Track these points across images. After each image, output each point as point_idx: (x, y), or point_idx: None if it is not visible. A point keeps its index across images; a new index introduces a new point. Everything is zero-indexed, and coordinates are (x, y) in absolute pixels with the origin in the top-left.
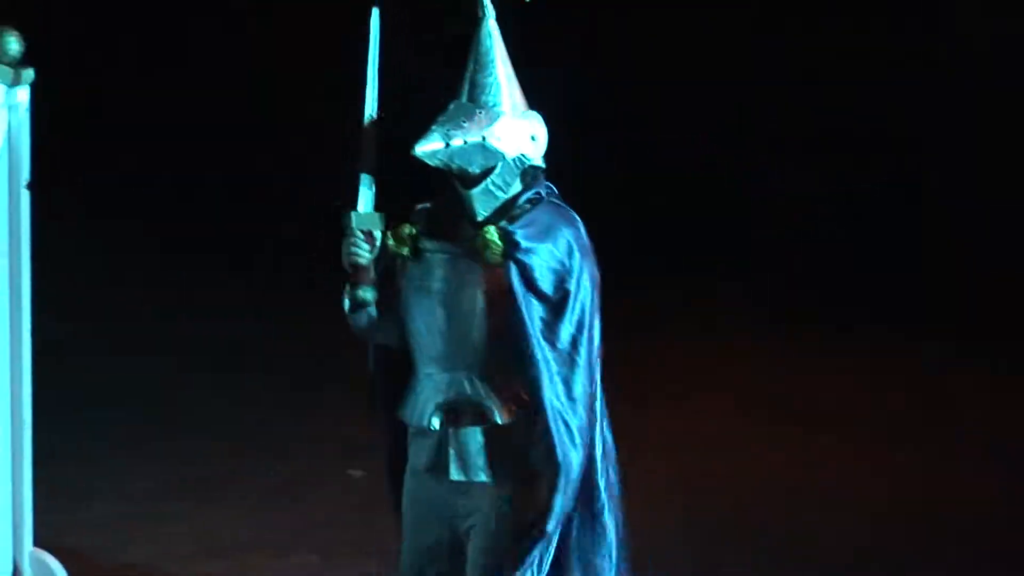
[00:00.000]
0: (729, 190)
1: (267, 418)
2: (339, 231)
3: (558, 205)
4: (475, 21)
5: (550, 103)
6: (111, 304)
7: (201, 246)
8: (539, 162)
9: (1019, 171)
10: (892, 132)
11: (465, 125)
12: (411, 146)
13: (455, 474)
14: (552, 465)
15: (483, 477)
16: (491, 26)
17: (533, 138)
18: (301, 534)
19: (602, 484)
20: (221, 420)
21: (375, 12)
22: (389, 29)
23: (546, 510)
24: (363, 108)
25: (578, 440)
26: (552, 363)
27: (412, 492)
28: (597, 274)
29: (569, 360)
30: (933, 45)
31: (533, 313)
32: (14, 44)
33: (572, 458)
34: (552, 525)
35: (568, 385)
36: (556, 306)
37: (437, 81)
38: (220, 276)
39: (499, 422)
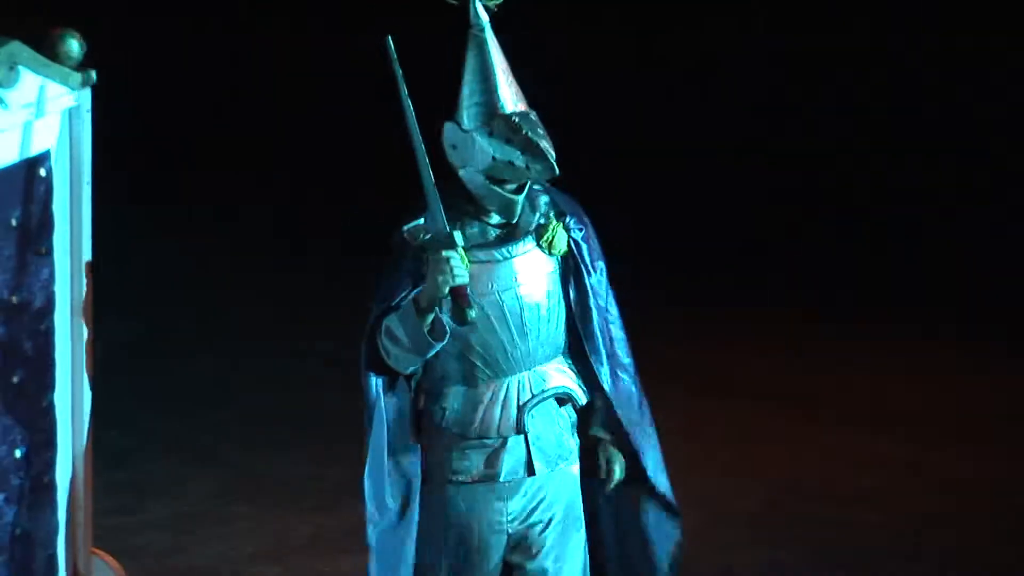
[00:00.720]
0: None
1: (324, 418)
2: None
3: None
4: (472, 34)
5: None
6: (176, 306)
7: (266, 248)
8: None
9: None
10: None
11: (542, 131)
12: (551, 166)
13: (542, 467)
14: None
15: (567, 460)
16: (491, 34)
17: None
18: (358, 535)
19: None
20: (278, 420)
21: (389, 40)
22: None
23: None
24: (409, 132)
25: (632, 376)
26: (609, 325)
27: (453, 505)
28: None
29: (613, 318)
30: None
31: (597, 289)
32: (76, 46)
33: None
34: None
35: (615, 340)
36: (603, 276)
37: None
38: (289, 277)
39: (581, 403)
